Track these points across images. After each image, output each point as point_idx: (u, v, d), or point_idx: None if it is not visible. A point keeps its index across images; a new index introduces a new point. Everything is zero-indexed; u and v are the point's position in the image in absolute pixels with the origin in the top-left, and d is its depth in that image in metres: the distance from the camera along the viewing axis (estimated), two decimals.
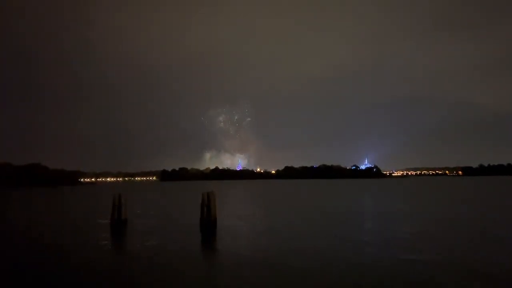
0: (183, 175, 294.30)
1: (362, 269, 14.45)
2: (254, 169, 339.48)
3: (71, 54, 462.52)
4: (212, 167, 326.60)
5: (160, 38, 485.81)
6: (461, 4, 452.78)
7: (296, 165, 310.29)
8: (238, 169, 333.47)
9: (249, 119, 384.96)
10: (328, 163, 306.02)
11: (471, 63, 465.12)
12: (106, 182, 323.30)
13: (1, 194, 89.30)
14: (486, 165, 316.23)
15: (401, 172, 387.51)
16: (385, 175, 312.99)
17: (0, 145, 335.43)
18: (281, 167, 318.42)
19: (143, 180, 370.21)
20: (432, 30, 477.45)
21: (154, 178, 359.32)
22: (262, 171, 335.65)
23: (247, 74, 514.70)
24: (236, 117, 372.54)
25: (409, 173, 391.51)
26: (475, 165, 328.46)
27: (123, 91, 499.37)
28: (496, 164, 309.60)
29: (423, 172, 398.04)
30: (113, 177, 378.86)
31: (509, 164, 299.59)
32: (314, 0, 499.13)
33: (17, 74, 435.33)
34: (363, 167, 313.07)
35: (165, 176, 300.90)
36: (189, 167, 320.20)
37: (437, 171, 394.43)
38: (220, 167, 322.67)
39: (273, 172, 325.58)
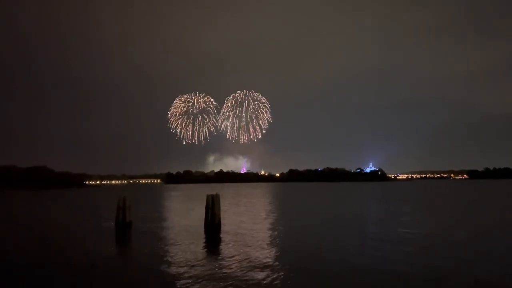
0: (188, 178, 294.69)
1: (365, 272, 14.41)
2: (258, 172, 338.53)
3: (77, 56, 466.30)
4: (217, 170, 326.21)
5: (166, 41, 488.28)
6: (466, 8, 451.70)
7: (301, 168, 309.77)
8: (242, 172, 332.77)
9: (253, 121, 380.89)
10: (333, 166, 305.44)
11: (477, 66, 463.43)
12: (111, 184, 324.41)
13: (6, 196, 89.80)
14: (491, 168, 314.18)
15: (406, 175, 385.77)
16: (389, 178, 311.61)
17: (5, 147, 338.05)
18: (285, 170, 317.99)
19: (147, 182, 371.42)
20: (437, 33, 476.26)
21: (158, 181, 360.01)
22: (266, 174, 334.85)
23: (251, 77, 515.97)
24: (242, 120, 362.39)
25: (414, 176, 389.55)
26: (480, 168, 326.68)
27: (129, 94, 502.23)
28: (502, 167, 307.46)
29: (428, 175, 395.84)
30: (118, 179, 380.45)
31: None
32: (319, 3, 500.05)
33: (22, 76, 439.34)
34: (367, 170, 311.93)
35: (169, 179, 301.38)
36: (193, 170, 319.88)
37: (442, 175, 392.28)
38: (225, 170, 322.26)
39: (277, 175, 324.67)
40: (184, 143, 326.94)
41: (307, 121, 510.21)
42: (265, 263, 16.12)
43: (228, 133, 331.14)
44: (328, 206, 49.93)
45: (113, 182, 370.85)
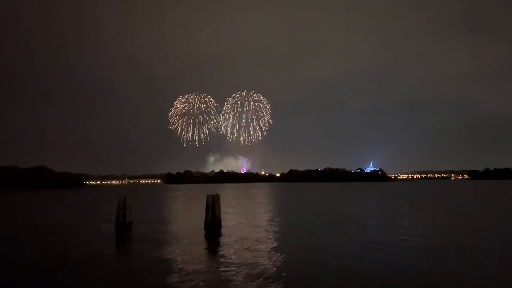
0: (188, 178, 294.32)
1: (364, 276, 14.41)
2: (258, 172, 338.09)
3: (77, 57, 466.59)
4: (217, 170, 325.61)
5: (166, 41, 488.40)
6: (466, 9, 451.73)
7: (301, 168, 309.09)
8: (243, 172, 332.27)
9: (254, 122, 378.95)
10: (333, 166, 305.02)
11: (476, 66, 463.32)
12: (111, 184, 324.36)
13: (7, 197, 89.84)
14: (492, 168, 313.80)
15: (406, 176, 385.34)
16: (390, 179, 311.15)
17: (6, 148, 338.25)
18: (285, 170, 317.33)
19: (148, 183, 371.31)
20: (436, 33, 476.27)
21: (159, 181, 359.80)
22: (266, 174, 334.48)
23: (251, 78, 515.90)
24: (242, 121, 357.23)
25: (414, 177, 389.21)
26: (481, 168, 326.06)
27: (129, 94, 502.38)
28: (502, 167, 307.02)
29: (428, 176, 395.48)
30: (118, 180, 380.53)
31: None
32: (319, 4, 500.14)
33: (22, 76, 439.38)
34: (368, 170, 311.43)
35: (170, 179, 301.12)
36: (193, 170, 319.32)
37: (442, 175, 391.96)
38: (225, 170, 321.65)
39: (278, 175, 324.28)
40: (184, 144, 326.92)
41: (307, 121, 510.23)
42: (265, 264, 16.12)
43: (229, 133, 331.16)
44: (328, 207, 49.89)
45: (113, 182, 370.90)
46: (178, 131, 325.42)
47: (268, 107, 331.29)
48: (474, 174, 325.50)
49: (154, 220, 34.15)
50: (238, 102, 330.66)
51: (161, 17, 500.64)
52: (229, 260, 16.92)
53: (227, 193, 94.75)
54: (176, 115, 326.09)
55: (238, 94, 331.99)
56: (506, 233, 24.48)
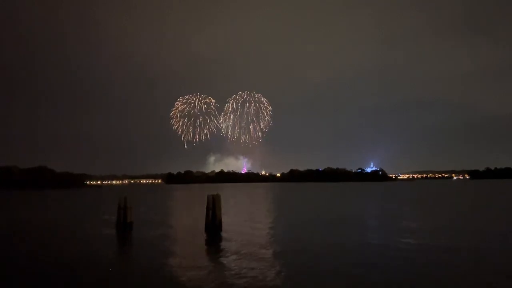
0: (188, 178, 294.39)
1: (362, 278, 14.41)
2: (259, 172, 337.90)
3: (77, 57, 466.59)
4: (217, 170, 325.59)
5: (166, 41, 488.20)
6: (466, 9, 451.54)
7: (301, 168, 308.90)
8: (243, 172, 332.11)
9: (254, 123, 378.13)
10: (334, 166, 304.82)
11: (476, 66, 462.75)
12: (111, 184, 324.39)
13: (7, 197, 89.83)
14: (492, 168, 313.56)
15: (407, 175, 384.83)
16: (390, 179, 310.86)
17: (6, 148, 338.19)
18: (286, 170, 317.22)
19: (148, 183, 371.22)
20: (436, 33, 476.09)
21: (159, 181, 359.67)
22: (267, 174, 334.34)
23: (252, 78, 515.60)
24: (242, 122, 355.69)
25: (415, 176, 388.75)
26: (481, 168, 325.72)
27: (129, 94, 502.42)
28: (503, 167, 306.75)
29: (429, 176, 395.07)
30: (119, 179, 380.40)
31: None
32: (319, 4, 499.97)
33: (22, 76, 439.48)
34: (368, 170, 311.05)
35: (170, 179, 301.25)
36: (194, 170, 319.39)
37: (443, 175, 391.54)
38: (225, 170, 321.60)
39: (278, 175, 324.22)
40: (186, 146, 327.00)
41: (308, 121, 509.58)
42: (265, 264, 16.11)
43: (229, 133, 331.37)
44: (328, 207, 49.87)
45: (113, 182, 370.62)
46: (178, 131, 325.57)
47: (269, 108, 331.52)
48: (475, 174, 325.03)
49: (155, 220, 34.15)
50: (239, 103, 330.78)
51: (161, 17, 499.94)
52: (229, 260, 16.92)
53: (228, 193, 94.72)
54: (176, 116, 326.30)
55: (239, 94, 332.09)
56: (506, 233, 24.46)
